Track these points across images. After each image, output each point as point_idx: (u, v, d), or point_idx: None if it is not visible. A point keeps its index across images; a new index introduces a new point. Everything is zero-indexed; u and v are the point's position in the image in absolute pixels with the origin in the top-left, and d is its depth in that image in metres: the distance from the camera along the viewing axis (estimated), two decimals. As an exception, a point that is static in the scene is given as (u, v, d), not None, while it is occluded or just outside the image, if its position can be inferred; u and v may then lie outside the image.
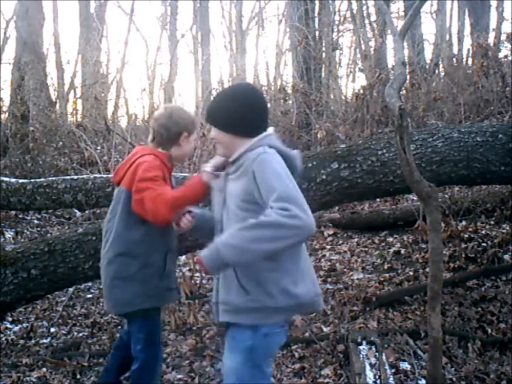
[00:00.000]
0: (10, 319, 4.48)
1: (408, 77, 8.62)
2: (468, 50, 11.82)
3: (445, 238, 4.77)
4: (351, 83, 15.10)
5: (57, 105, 12.97)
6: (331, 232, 6.16)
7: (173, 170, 2.70)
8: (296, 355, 3.49)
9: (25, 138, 10.61)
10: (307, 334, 3.74)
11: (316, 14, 10.57)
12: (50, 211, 7.46)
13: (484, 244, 4.84)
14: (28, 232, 7.22)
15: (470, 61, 11.24)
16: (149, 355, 2.60)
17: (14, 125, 11.16)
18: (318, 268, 5.13)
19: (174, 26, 20.72)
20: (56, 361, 3.63)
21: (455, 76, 9.78)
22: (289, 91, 10.58)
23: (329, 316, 4.04)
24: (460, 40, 14.81)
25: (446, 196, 5.54)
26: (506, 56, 9.80)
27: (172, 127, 2.58)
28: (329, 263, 5.32)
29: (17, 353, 3.85)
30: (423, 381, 2.99)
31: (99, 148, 9.70)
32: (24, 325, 4.41)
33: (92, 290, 5.17)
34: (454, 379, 3.05)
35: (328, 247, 5.86)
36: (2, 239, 6.58)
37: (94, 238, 3.32)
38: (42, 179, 5.46)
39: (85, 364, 3.59)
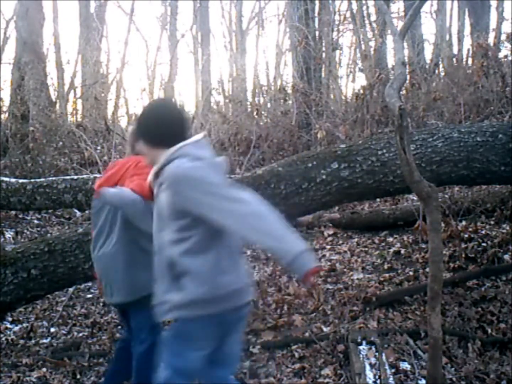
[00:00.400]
0: (10, 319, 4.48)
1: (408, 77, 8.62)
2: (468, 50, 11.82)
3: (445, 238, 4.76)
4: (351, 83, 15.11)
5: (57, 105, 12.97)
6: (331, 232, 6.15)
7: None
8: (296, 355, 3.50)
9: (25, 138, 10.61)
10: (307, 334, 3.74)
11: (316, 14, 10.56)
12: (50, 211, 7.47)
13: (484, 244, 4.84)
14: (28, 232, 7.22)
15: (470, 61, 11.23)
16: (156, 338, 2.62)
17: (14, 125, 11.16)
18: (318, 268, 5.13)
19: (174, 26, 20.69)
20: (56, 361, 3.64)
21: (455, 76, 9.78)
22: (289, 91, 10.57)
23: (329, 316, 4.04)
24: (460, 40, 14.81)
25: (446, 196, 5.54)
26: (506, 56, 9.80)
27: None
28: (329, 263, 5.31)
29: (17, 353, 3.85)
30: (423, 381, 2.99)
31: (99, 148, 9.71)
32: (24, 325, 4.41)
33: (92, 290, 5.16)
34: (454, 379, 3.05)
35: (328, 247, 5.86)
36: (2, 239, 6.58)
37: (94, 238, 3.32)
38: (42, 179, 5.47)
39: (85, 364, 3.59)
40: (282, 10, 20.06)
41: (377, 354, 3.20)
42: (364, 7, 13.82)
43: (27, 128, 10.81)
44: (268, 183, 3.46)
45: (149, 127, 2.18)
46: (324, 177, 3.41)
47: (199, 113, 8.85)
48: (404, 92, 9.11)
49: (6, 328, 4.32)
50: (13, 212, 7.51)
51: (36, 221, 7.84)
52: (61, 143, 10.26)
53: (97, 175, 4.92)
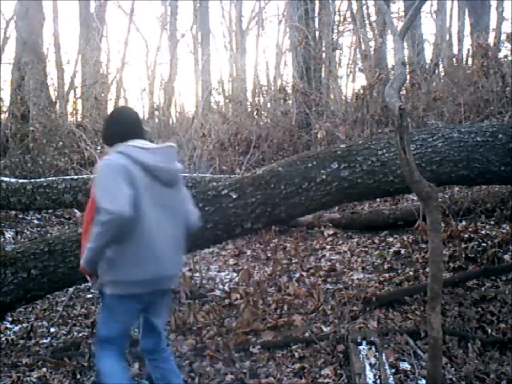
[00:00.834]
0: (10, 319, 4.48)
1: (408, 77, 8.63)
2: (468, 50, 11.85)
3: (445, 238, 4.76)
4: (351, 83, 15.15)
5: (57, 105, 12.97)
6: (331, 232, 6.15)
7: None
8: (296, 355, 3.49)
9: (25, 138, 10.62)
10: (307, 334, 3.74)
11: (316, 14, 10.55)
12: (50, 211, 7.47)
13: (484, 244, 4.84)
14: (28, 232, 7.22)
15: (470, 61, 11.26)
16: None
17: (14, 125, 11.17)
18: (318, 268, 5.13)
19: (174, 26, 20.67)
20: (56, 361, 3.63)
21: (455, 76, 9.78)
22: (289, 91, 10.58)
23: (329, 316, 4.04)
24: (460, 40, 14.82)
25: (446, 196, 5.54)
26: (506, 56, 9.81)
27: None
28: (329, 263, 5.32)
29: (17, 353, 3.85)
30: (423, 381, 2.99)
31: (99, 148, 9.69)
32: (24, 325, 4.41)
33: (92, 290, 5.16)
34: (454, 379, 3.05)
35: (328, 247, 5.86)
36: (2, 239, 6.58)
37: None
38: (42, 179, 5.47)
39: (85, 364, 3.58)
40: (282, 10, 20.12)
41: (377, 354, 3.20)
42: (364, 7, 13.84)
43: (27, 128, 10.82)
44: (268, 183, 3.46)
45: (104, 130, 2.72)
46: (324, 177, 3.41)
47: (199, 113, 8.84)
48: (404, 92, 9.12)
49: (6, 328, 4.32)
50: (13, 212, 7.51)
51: (36, 221, 7.85)
52: (61, 143, 10.26)
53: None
